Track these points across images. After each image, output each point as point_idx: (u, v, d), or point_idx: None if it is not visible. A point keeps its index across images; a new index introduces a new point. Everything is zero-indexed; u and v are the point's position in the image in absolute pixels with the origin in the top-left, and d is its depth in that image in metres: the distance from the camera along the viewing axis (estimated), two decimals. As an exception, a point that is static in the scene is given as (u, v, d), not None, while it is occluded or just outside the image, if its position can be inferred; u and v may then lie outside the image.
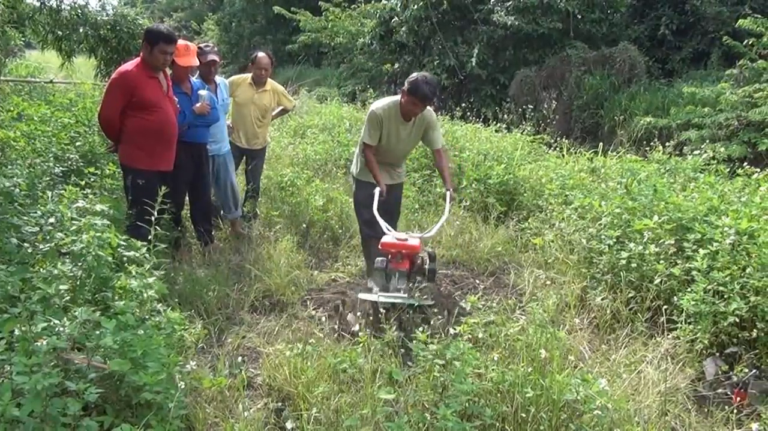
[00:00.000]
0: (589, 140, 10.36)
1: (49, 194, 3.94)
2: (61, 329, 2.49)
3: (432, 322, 3.51)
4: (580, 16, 12.31)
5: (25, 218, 3.43)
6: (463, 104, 11.10)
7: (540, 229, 5.44)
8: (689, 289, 3.76)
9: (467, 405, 2.66)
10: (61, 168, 5.01)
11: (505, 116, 9.99)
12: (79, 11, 8.49)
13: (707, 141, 7.74)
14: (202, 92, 4.87)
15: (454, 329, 3.29)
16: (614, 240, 4.43)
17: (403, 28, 13.49)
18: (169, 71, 4.63)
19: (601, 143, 8.18)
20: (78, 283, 3.02)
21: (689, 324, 3.64)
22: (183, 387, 2.70)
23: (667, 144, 7.13)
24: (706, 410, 3.19)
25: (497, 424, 2.70)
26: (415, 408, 2.78)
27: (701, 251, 3.87)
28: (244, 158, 6.03)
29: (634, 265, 4.17)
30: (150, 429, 2.42)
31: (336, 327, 3.94)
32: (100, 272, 3.09)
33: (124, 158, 4.46)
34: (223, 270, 4.73)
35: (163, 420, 2.50)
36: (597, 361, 3.52)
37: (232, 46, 26.22)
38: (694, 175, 5.84)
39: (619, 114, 10.09)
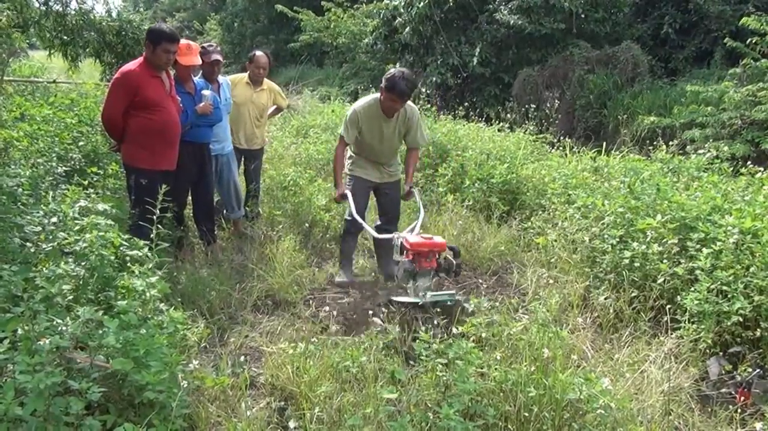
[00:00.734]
0: (592, 139, 10.35)
1: (52, 193, 3.95)
2: (64, 328, 2.49)
3: (435, 321, 3.50)
4: (583, 16, 12.30)
5: (28, 217, 3.43)
6: (466, 104, 11.09)
7: (543, 228, 5.43)
8: (692, 288, 3.76)
9: (470, 404, 2.66)
10: (63, 168, 5.01)
11: (508, 115, 9.98)
12: (85, 16, 8.50)
13: (710, 140, 7.73)
14: (206, 92, 4.88)
15: (457, 328, 3.28)
16: (617, 239, 4.42)
17: (407, 28, 13.47)
18: (171, 71, 4.63)
19: (604, 143, 8.17)
20: (81, 282, 3.02)
21: (692, 323, 3.63)
22: (186, 386, 2.70)
23: (670, 143, 7.11)
24: (709, 409, 3.18)
25: (500, 423, 2.70)
26: (418, 408, 2.78)
27: (704, 251, 3.86)
28: (243, 158, 6.02)
29: (637, 264, 4.16)
30: (153, 428, 2.42)
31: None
32: (103, 272, 3.10)
33: (126, 158, 4.46)
34: (225, 270, 4.74)
35: (166, 420, 2.50)
36: (600, 360, 3.51)
37: (234, 46, 26.23)
38: (698, 174, 5.82)
39: (622, 113, 10.08)
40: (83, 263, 3.06)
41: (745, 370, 3.30)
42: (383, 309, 4.16)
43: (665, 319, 3.71)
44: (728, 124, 8.03)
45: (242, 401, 2.98)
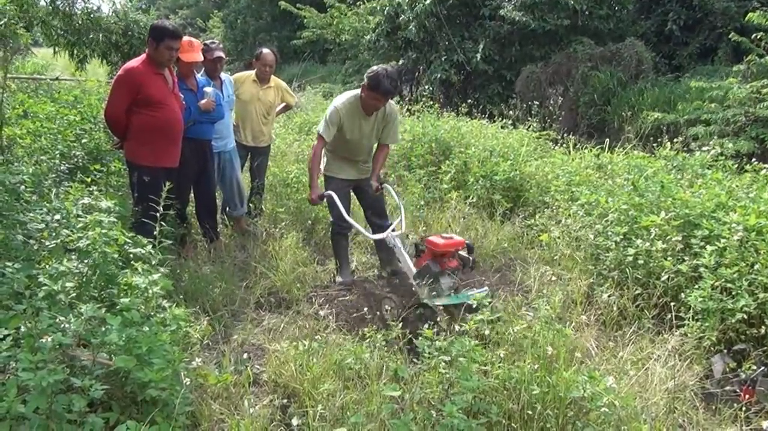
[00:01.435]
0: (595, 136, 10.32)
1: (55, 191, 3.95)
2: (67, 325, 2.49)
3: (438, 319, 3.49)
4: (587, 13, 12.26)
5: (31, 215, 3.43)
6: (469, 101, 11.06)
7: (546, 225, 5.42)
8: (697, 286, 3.74)
9: (473, 402, 2.65)
10: (66, 165, 5.02)
11: (511, 112, 9.95)
12: (91, 16, 8.48)
13: (715, 137, 7.69)
14: (208, 89, 4.87)
15: (460, 326, 3.27)
16: (621, 237, 4.41)
17: (412, 25, 13.43)
18: (174, 68, 4.63)
19: (607, 139, 8.14)
20: (83, 280, 3.03)
21: (697, 320, 3.62)
22: (188, 383, 2.70)
23: (674, 140, 7.09)
24: (713, 407, 3.17)
25: (503, 421, 2.69)
26: (421, 405, 2.77)
27: (709, 248, 3.85)
28: (249, 155, 6.02)
29: (641, 262, 4.15)
30: (155, 425, 2.42)
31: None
32: (106, 269, 3.10)
33: (129, 155, 4.46)
34: (228, 267, 4.74)
35: (169, 417, 2.50)
36: (604, 358, 3.50)
37: (237, 43, 26.25)
38: (702, 171, 5.80)
39: (626, 110, 10.04)
40: (86, 261, 3.05)
41: (749, 368, 3.29)
42: (386, 307, 4.16)
43: (669, 316, 3.69)
44: (732, 121, 7.99)
45: (245, 398, 2.98)
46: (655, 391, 3.09)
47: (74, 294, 2.90)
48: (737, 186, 4.99)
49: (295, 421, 2.86)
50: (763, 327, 3.46)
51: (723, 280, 3.66)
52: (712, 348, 3.54)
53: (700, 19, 12.05)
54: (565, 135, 8.62)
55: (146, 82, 4.24)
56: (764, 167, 5.55)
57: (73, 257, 3.08)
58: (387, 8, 14.40)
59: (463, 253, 4.10)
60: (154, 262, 3.31)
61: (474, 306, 3.43)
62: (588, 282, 4.39)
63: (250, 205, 5.87)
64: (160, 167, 4.39)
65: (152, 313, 2.95)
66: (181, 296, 3.98)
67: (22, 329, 2.42)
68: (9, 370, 2.39)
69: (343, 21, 17.43)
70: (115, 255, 3.17)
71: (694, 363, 3.45)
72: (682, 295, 3.81)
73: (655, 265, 4.08)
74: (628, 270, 4.19)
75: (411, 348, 3.35)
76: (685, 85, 9.99)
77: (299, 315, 4.15)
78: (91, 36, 8.48)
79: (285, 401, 3.13)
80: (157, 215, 3.51)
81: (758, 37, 8.23)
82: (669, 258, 4.01)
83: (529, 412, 2.70)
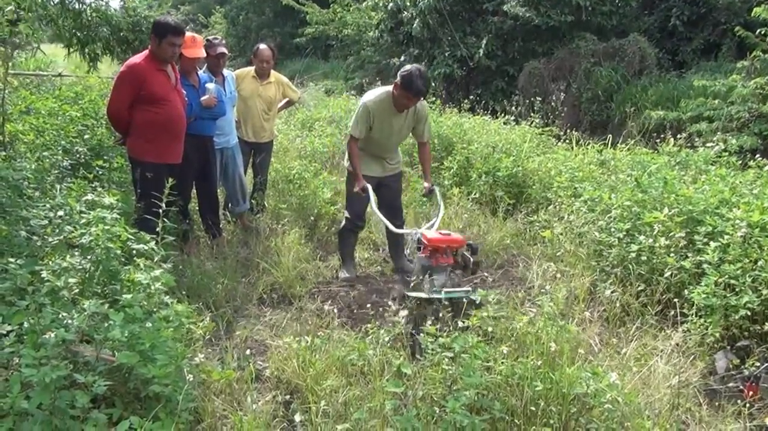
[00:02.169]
0: (598, 132, 10.31)
1: (58, 187, 3.95)
2: (70, 321, 2.49)
3: (441, 315, 3.49)
4: (590, 9, 12.22)
5: (34, 211, 3.43)
6: (472, 97, 11.04)
7: (549, 222, 5.41)
8: (700, 282, 3.73)
9: (476, 398, 2.65)
10: (69, 161, 5.02)
11: (514, 108, 9.94)
12: (100, 12, 8.44)
13: (718, 133, 7.67)
14: (210, 85, 4.87)
15: (463, 322, 3.27)
16: (624, 233, 4.40)
17: (417, 20, 13.39)
18: (176, 64, 4.62)
19: (610, 136, 8.12)
20: (86, 276, 3.03)
21: (700, 317, 3.61)
22: (191, 379, 2.70)
23: (677, 136, 7.07)
24: (717, 404, 3.16)
25: (506, 417, 2.69)
26: (424, 402, 2.77)
27: (712, 244, 3.84)
28: (252, 152, 6.01)
29: (644, 258, 4.14)
30: (158, 421, 2.42)
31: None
32: (109, 266, 3.09)
33: (132, 151, 4.46)
34: (230, 263, 4.74)
35: (172, 413, 2.50)
36: (607, 354, 3.50)
37: (239, 40, 26.20)
38: (705, 167, 5.78)
39: (629, 106, 10.02)
40: (89, 257, 3.05)
41: (753, 364, 3.28)
42: (393, 294, 4.16)
43: (672, 313, 3.69)
44: (736, 117, 7.96)
45: (248, 394, 2.98)
46: (659, 388, 3.09)
47: (77, 290, 2.90)
48: (741, 182, 4.97)
49: (297, 417, 2.87)
50: (766, 323, 3.45)
51: (726, 276, 3.65)
52: (715, 345, 3.54)
53: (704, 14, 12.00)
54: (567, 131, 8.61)
55: (149, 79, 4.24)
56: (768, 163, 5.54)
57: (76, 253, 3.08)
58: (390, 4, 14.36)
59: (467, 254, 4.09)
60: (156, 258, 3.31)
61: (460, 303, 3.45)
62: (591, 279, 4.39)
63: (253, 201, 5.87)
64: (162, 164, 4.38)
65: (155, 309, 2.95)
66: (184, 293, 3.99)
67: (26, 325, 2.43)
68: (12, 366, 2.39)
69: (345, 17, 17.39)
70: (118, 251, 3.17)
71: (697, 360, 3.45)
72: (686, 292, 3.80)
73: (658, 261, 4.07)
74: (631, 267, 4.18)
75: (413, 344, 3.35)
76: (689, 81, 9.96)
77: (302, 311, 4.15)
78: (100, 31, 8.43)
79: (288, 397, 3.13)
80: (160, 211, 3.51)
81: (763, 32, 8.18)
82: (672, 255, 4.00)
83: (532, 408, 2.70)
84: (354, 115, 4.55)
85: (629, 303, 4.03)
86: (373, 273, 5.13)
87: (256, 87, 5.73)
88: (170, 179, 3.69)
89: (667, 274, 3.96)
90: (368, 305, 3.83)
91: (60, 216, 3.41)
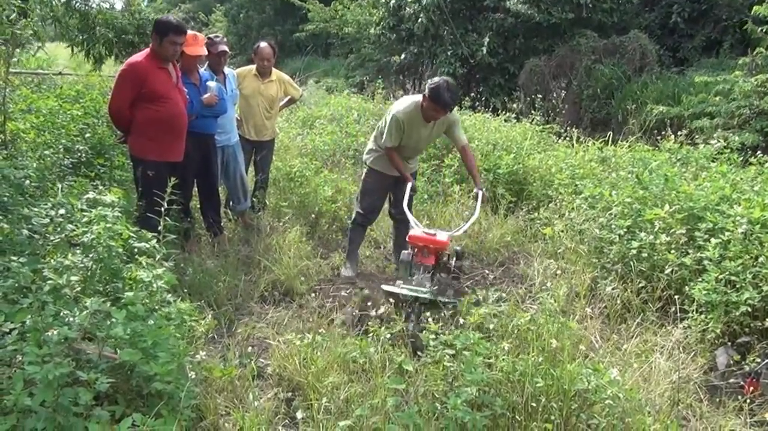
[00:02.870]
0: (599, 129, 10.30)
1: (59, 185, 3.95)
2: (72, 319, 2.50)
3: (442, 312, 3.50)
4: (591, 6, 12.20)
5: (36, 209, 3.43)
6: (472, 94, 11.03)
7: (550, 219, 5.41)
8: (701, 279, 3.74)
9: (477, 394, 2.66)
10: (70, 160, 5.02)
11: (515, 105, 9.93)
12: (106, 15, 8.44)
13: (719, 130, 7.66)
14: (211, 83, 4.86)
15: (464, 319, 3.28)
16: (625, 230, 4.41)
17: (420, 18, 13.37)
18: (177, 62, 4.62)
19: (611, 133, 8.12)
20: (88, 274, 3.03)
21: (701, 313, 3.62)
22: (193, 376, 2.71)
23: (678, 133, 7.07)
24: (717, 400, 3.17)
25: (508, 414, 2.69)
26: (425, 398, 2.78)
27: (713, 241, 3.85)
28: (254, 150, 6.01)
29: (644, 255, 4.15)
30: (161, 418, 2.43)
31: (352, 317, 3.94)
32: (111, 264, 3.10)
33: (134, 150, 4.46)
34: (232, 261, 4.74)
35: (174, 410, 2.51)
36: (608, 351, 3.51)
37: (240, 38, 26.17)
38: (706, 164, 5.78)
39: (630, 103, 10.01)
40: (91, 255, 3.06)
41: (753, 360, 3.29)
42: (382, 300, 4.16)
43: (673, 309, 3.69)
44: (737, 114, 7.95)
45: (250, 391, 2.99)
46: (659, 383, 3.10)
47: (79, 288, 2.90)
48: (742, 179, 4.98)
49: (299, 414, 2.88)
50: (767, 319, 3.45)
51: (727, 273, 3.66)
52: (716, 341, 3.55)
53: (705, 11, 11.98)
54: (568, 128, 8.60)
55: (150, 77, 4.24)
56: (769, 160, 5.54)
57: (78, 251, 3.09)
58: (391, 1, 14.35)
59: (451, 258, 4.11)
60: (158, 256, 3.31)
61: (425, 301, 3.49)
62: (592, 275, 4.40)
63: (254, 199, 5.87)
64: (164, 162, 4.39)
65: (157, 307, 2.96)
66: (186, 291, 3.99)
67: (28, 323, 2.43)
68: (15, 364, 2.40)
69: (346, 14, 17.37)
70: (120, 250, 3.18)
71: (698, 356, 3.45)
72: (686, 288, 3.81)
73: (659, 258, 4.07)
74: (632, 263, 4.18)
75: (414, 341, 3.36)
76: (690, 78, 9.95)
77: (303, 309, 4.16)
78: (104, 31, 8.42)
79: (289, 394, 3.14)
80: (161, 209, 3.51)
81: (765, 30, 8.15)
82: (673, 251, 4.01)
83: (534, 404, 2.71)
84: (386, 127, 4.55)
85: (630, 300, 4.04)
86: (373, 271, 5.14)
87: (257, 85, 5.73)
88: (172, 178, 3.70)
89: (668, 271, 3.97)
90: (369, 304, 3.83)
91: (61, 215, 3.41)
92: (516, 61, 12.82)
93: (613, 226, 4.54)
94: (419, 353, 3.22)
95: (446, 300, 3.56)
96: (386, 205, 5.11)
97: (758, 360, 3.27)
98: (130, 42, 8.82)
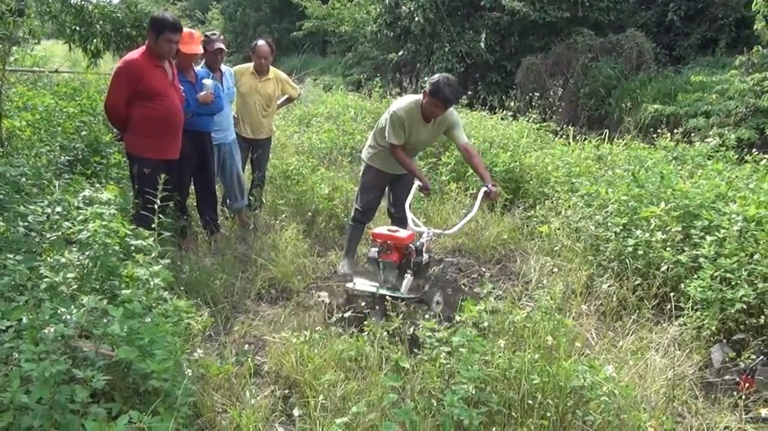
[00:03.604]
0: (595, 127, 10.32)
1: (56, 183, 3.95)
2: (69, 317, 2.50)
3: (439, 310, 3.51)
4: (587, 4, 12.22)
5: (32, 207, 3.43)
6: (469, 92, 11.04)
7: (546, 217, 5.43)
8: (696, 276, 3.75)
9: (474, 391, 2.66)
10: (66, 157, 5.02)
11: (511, 103, 9.94)
12: (102, 8, 8.41)
13: (715, 128, 7.68)
14: (207, 81, 4.85)
15: (459, 316, 3.28)
16: (621, 227, 4.42)
17: (418, 16, 13.37)
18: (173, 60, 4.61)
19: (607, 131, 8.13)
20: (85, 271, 3.03)
21: (696, 310, 3.63)
22: (190, 374, 2.71)
23: (674, 131, 7.08)
24: (713, 396, 3.19)
25: (504, 411, 2.70)
26: (422, 395, 2.79)
27: (708, 238, 3.86)
28: (251, 148, 6.01)
29: (640, 252, 4.16)
30: (158, 416, 2.43)
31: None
32: (107, 261, 3.10)
33: (130, 147, 4.45)
34: (229, 259, 4.74)
35: (171, 408, 2.51)
36: (604, 348, 3.52)
37: (237, 35, 26.15)
38: (702, 162, 5.80)
39: (626, 101, 10.03)
40: (87, 253, 3.06)
41: (748, 357, 3.30)
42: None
43: (669, 307, 3.70)
44: (734, 112, 7.97)
45: (246, 389, 2.99)
46: (655, 380, 3.11)
47: (76, 286, 2.90)
48: (737, 177, 4.99)
49: (296, 412, 2.88)
50: (762, 316, 3.47)
51: (722, 270, 3.67)
52: (711, 338, 3.56)
53: (701, 9, 12.00)
54: (565, 126, 8.61)
55: (146, 74, 4.23)
56: (764, 158, 5.55)
57: (74, 249, 3.09)
58: (388, -1, 14.35)
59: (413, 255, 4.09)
60: (154, 254, 3.31)
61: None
62: (588, 273, 4.41)
63: (251, 197, 5.87)
64: (160, 159, 4.38)
65: (154, 305, 2.96)
66: (182, 288, 3.99)
67: (25, 320, 2.43)
68: (12, 361, 2.39)
69: (343, 11, 17.36)
70: (116, 247, 3.18)
71: (693, 353, 3.46)
72: (682, 285, 3.82)
73: (655, 255, 4.09)
74: (627, 261, 4.19)
75: (412, 338, 3.36)
76: (686, 76, 9.97)
77: (300, 307, 4.16)
78: (101, 25, 8.38)
79: (286, 391, 3.15)
80: (157, 207, 3.51)
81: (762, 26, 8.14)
82: (669, 249, 4.02)
83: (530, 401, 2.71)
84: (388, 126, 4.51)
85: (626, 297, 4.05)
86: (369, 269, 5.13)
87: (254, 83, 5.72)
88: (164, 175, 3.69)
89: (664, 268, 3.98)
90: (363, 304, 3.84)
91: (58, 212, 3.41)
92: (513, 59, 12.84)
93: (609, 224, 4.55)
94: (414, 350, 3.22)
95: (406, 296, 3.60)
96: (385, 204, 5.12)
97: (753, 356, 3.29)
98: (127, 35, 8.78)
